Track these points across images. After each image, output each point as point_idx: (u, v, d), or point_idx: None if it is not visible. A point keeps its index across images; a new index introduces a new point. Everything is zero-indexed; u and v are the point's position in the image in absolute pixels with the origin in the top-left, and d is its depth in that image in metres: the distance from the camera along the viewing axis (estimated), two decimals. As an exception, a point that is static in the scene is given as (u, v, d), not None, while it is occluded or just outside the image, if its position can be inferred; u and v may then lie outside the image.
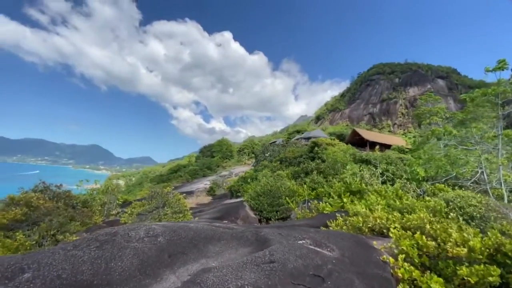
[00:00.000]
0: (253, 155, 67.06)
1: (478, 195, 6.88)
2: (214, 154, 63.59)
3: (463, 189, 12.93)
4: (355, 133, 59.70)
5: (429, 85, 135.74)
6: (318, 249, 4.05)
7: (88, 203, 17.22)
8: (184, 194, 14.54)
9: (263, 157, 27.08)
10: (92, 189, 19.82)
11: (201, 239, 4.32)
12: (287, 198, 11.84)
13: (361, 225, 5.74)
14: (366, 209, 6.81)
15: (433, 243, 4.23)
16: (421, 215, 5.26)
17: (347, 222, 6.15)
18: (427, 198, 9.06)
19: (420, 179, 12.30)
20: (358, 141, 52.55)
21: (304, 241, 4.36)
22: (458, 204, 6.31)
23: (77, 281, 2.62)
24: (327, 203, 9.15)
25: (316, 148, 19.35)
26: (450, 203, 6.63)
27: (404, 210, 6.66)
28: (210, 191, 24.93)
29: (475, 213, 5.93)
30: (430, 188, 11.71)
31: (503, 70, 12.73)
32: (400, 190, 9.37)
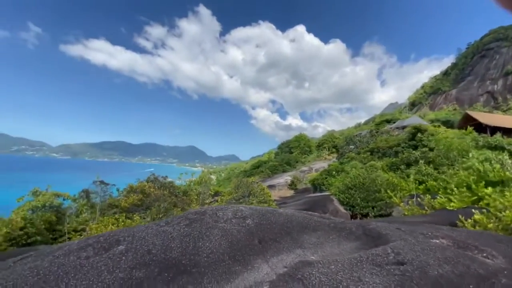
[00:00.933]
0: (334, 149, 63.09)
1: None
2: (292, 150, 62.94)
3: None
4: (468, 117, 47.65)
5: None
6: (470, 253, 2.72)
7: (187, 192, 19.59)
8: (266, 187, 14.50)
9: (348, 149, 24.32)
10: (189, 181, 22.55)
11: (293, 226, 3.66)
12: (388, 192, 9.90)
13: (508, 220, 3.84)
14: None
15: None
16: None
17: (494, 220, 4.27)
18: None
19: None
20: (474, 127, 41.78)
21: (439, 241, 3.08)
22: None
23: (166, 258, 2.38)
24: (446, 198, 6.97)
25: (419, 135, 15.75)
26: None
27: None
28: (292, 185, 24.33)
29: None
30: None
31: None
32: None
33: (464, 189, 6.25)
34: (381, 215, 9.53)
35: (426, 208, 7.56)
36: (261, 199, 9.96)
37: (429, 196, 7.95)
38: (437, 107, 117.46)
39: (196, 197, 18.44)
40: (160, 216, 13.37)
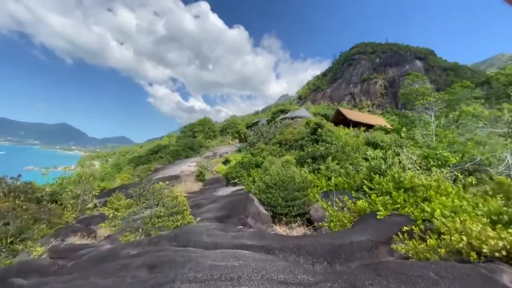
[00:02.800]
0: (237, 135, 64.70)
1: None
2: (196, 134, 60.16)
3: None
4: (339, 112, 59.29)
5: (407, 66, 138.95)
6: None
7: (58, 195, 14.24)
8: (167, 182, 12.21)
9: (257, 139, 24.81)
10: (61, 178, 16.60)
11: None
12: (309, 190, 10.01)
13: (462, 245, 4.03)
14: (452, 218, 5.14)
15: None
16: None
17: (442, 243, 4.36)
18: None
19: (451, 165, 11.08)
20: (342, 121, 52.01)
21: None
22: None
23: None
24: (368, 202, 7.38)
25: (319, 130, 17.56)
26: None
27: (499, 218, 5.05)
28: (199, 176, 22.53)
29: None
30: (462, 177, 10.46)
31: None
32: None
33: (388, 196, 6.65)
34: (299, 215, 9.56)
35: (346, 210, 7.92)
36: (173, 210, 7.91)
37: (347, 197, 8.40)
38: (317, 102, 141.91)
39: (72, 202, 13.71)
40: (10, 240, 8.96)
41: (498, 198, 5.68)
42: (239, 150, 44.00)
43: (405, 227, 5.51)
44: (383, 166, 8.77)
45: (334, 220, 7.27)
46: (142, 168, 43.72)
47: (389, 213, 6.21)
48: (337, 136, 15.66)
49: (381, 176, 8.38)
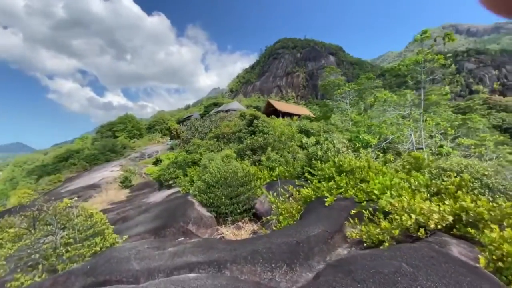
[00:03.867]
0: (167, 131, 59.94)
1: (477, 162, 6.55)
2: (118, 134, 52.72)
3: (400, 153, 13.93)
4: (269, 104, 62.00)
5: (323, 61, 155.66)
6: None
7: None
8: (77, 197, 9.95)
9: (191, 134, 22.92)
10: None
11: None
12: (252, 183, 9.48)
13: (410, 223, 4.16)
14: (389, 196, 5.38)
15: None
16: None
17: (394, 224, 4.40)
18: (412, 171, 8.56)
19: (373, 146, 12.47)
20: (272, 112, 54.49)
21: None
22: (476, 174, 5.68)
23: None
24: (312, 188, 7.36)
25: (255, 121, 17.36)
26: (458, 174, 5.98)
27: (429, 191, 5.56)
28: (125, 182, 19.42)
29: (496, 185, 5.41)
30: (381, 155, 11.84)
31: (424, 40, 13.79)
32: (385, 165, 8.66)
33: (332, 182, 6.68)
34: (245, 210, 9.01)
35: (292, 200, 7.75)
36: (89, 232, 6.11)
37: (291, 187, 8.25)
38: (248, 94, 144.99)
39: None
40: None
41: (425, 172, 6.30)
42: (172, 148, 40.63)
43: (352, 211, 5.56)
44: (320, 152, 9.01)
45: (282, 212, 6.97)
46: (48, 180, 35.67)
47: (335, 198, 6.25)
48: (273, 126, 15.82)
49: (321, 162, 8.56)
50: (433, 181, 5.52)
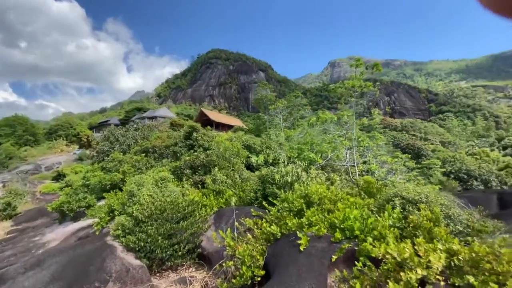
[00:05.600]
0: (74, 138, 49.76)
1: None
2: (1, 140, 40.24)
3: (336, 172, 14.57)
4: (203, 113, 59.82)
5: (254, 75, 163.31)
6: None
7: None
8: None
9: (109, 146, 18.59)
10: None
11: None
12: (196, 213, 7.70)
13: (415, 279, 3.55)
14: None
15: None
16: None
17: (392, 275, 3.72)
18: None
19: (318, 163, 12.52)
20: (205, 122, 52.76)
21: None
22: (435, 204, 5.76)
23: None
24: (276, 222, 6.29)
25: (195, 134, 15.35)
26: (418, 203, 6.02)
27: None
28: (6, 210, 13.91)
29: (456, 215, 5.55)
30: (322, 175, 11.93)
31: (357, 67, 15.22)
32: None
33: (303, 218, 5.74)
34: (189, 251, 7.18)
35: (252, 236, 6.46)
36: None
37: (249, 220, 6.96)
38: (178, 101, 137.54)
39: None
40: None
41: (397, 206, 6.07)
42: (80, 159, 33.32)
43: (334, 256, 4.72)
44: (277, 176, 8.15)
45: (243, 255, 5.59)
46: None
47: (308, 238, 5.33)
48: (217, 141, 14.30)
49: (280, 188, 7.66)
50: (410, 216, 5.27)
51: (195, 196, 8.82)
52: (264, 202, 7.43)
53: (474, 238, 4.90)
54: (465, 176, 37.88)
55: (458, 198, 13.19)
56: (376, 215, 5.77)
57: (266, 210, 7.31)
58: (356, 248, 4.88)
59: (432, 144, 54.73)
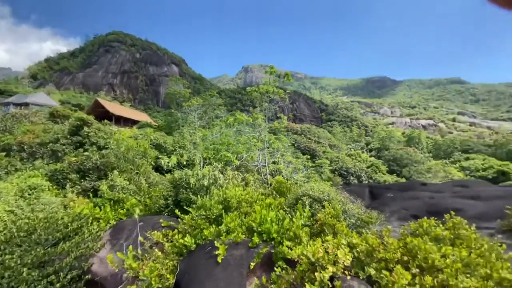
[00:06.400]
0: None
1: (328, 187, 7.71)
2: None
3: (250, 172, 14.99)
4: (98, 104, 50.79)
5: (165, 68, 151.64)
6: None
7: None
8: None
9: None
10: None
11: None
12: (85, 230, 6.01)
13: (327, 277, 3.76)
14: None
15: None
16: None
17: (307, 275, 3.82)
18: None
19: (234, 164, 12.33)
20: (102, 114, 45.14)
21: None
22: (335, 201, 6.51)
23: None
24: (190, 232, 5.59)
25: (86, 129, 12.18)
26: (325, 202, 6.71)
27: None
28: None
29: (351, 211, 6.44)
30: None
31: (272, 74, 16.21)
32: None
33: (222, 225, 5.28)
34: (73, 280, 5.54)
35: (159, 252, 5.50)
36: None
37: (157, 233, 5.96)
38: (64, 86, 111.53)
39: None
40: None
41: (307, 205, 6.49)
42: None
43: (252, 264, 4.57)
44: (192, 180, 7.44)
45: (150, 276, 4.68)
46: None
47: (226, 247, 4.99)
48: (117, 138, 11.81)
49: (196, 193, 7.02)
50: (318, 214, 5.75)
51: (83, 208, 7.00)
52: (176, 210, 6.62)
53: (365, 229, 5.82)
54: (345, 173, 47.11)
55: (344, 191, 15.89)
56: (289, 215, 6.07)
57: (179, 219, 6.53)
58: (273, 251, 4.92)
59: (323, 146, 65.47)
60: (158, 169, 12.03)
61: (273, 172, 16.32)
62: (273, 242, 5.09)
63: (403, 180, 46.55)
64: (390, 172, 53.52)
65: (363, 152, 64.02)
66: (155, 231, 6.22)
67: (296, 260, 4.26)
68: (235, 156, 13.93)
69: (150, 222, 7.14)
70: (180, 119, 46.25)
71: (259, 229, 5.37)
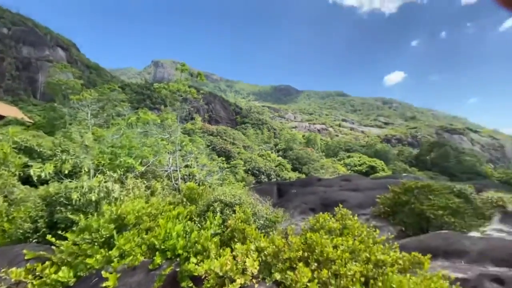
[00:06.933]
0: None
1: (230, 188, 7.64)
2: None
3: (159, 178, 13.63)
4: None
5: (47, 51, 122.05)
6: None
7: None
8: None
9: None
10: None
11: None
12: None
13: None
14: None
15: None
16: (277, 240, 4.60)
17: None
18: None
19: (137, 171, 10.59)
20: None
21: None
22: (246, 205, 6.47)
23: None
24: (68, 262, 4.26)
25: None
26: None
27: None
28: None
29: (260, 213, 6.53)
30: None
31: (182, 72, 15.21)
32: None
33: (114, 249, 4.23)
34: None
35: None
36: None
37: (16, 270, 4.31)
38: None
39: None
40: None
41: (218, 212, 6.16)
42: None
43: (152, 290, 3.90)
44: (75, 195, 5.88)
45: None
46: None
47: (118, 276, 4.08)
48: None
49: (81, 212, 5.58)
50: (228, 220, 5.55)
51: None
52: (49, 236, 5.08)
53: (272, 229, 6.05)
54: (257, 172, 50.16)
55: (255, 190, 16.63)
56: (199, 224, 5.66)
57: (54, 247, 5.02)
58: (178, 270, 4.40)
59: (237, 147, 67.66)
60: (28, 181, 9.14)
61: (185, 177, 15.38)
62: (178, 259, 4.56)
63: (304, 176, 53.50)
64: (294, 169, 60.57)
65: (272, 153, 69.90)
66: (14, 268, 4.59)
67: (203, 276, 3.91)
68: (139, 161, 12.26)
69: (7, 255, 5.28)
70: (67, 116, 37.76)
71: (163, 247, 4.72)
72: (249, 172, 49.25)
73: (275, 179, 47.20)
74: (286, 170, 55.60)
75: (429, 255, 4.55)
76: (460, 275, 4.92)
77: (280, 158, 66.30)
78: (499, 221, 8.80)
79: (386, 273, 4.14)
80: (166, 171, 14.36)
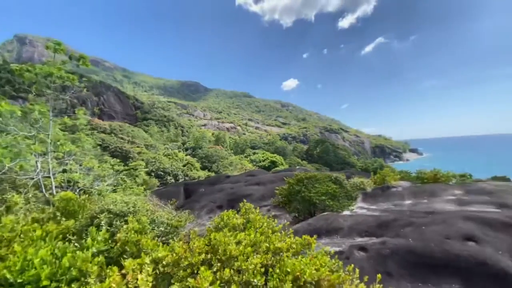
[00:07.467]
0: None
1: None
2: None
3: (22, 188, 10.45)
4: None
5: None
6: None
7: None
8: None
9: None
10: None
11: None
12: None
13: None
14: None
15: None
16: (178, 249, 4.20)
17: None
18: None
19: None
20: None
21: None
22: (144, 212, 5.58)
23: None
24: None
25: None
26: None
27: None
28: None
29: (157, 220, 5.78)
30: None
31: (57, 52, 11.96)
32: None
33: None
34: None
35: None
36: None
37: None
38: None
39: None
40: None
41: (104, 225, 5.07)
42: None
43: None
44: None
45: None
46: None
47: None
48: None
49: None
50: (117, 233, 4.64)
51: None
52: None
53: (174, 235, 5.57)
54: (162, 173, 46.46)
55: (158, 194, 15.26)
56: (77, 243, 4.53)
57: None
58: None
59: (138, 147, 60.45)
60: None
61: (63, 185, 12.33)
62: (42, 293, 3.47)
63: (213, 174, 53.64)
64: (203, 168, 59.78)
65: (180, 151, 66.50)
66: None
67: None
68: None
69: None
70: None
71: (20, 280, 3.47)
72: (153, 174, 44.95)
73: (183, 179, 45.05)
74: (195, 169, 54.07)
75: (315, 236, 5.29)
76: (337, 249, 5.99)
77: (188, 157, 63.82)
78: (361, 200, 11.41)
79: (283, 259, 4.52)
80: (33, 178, 11.06)
